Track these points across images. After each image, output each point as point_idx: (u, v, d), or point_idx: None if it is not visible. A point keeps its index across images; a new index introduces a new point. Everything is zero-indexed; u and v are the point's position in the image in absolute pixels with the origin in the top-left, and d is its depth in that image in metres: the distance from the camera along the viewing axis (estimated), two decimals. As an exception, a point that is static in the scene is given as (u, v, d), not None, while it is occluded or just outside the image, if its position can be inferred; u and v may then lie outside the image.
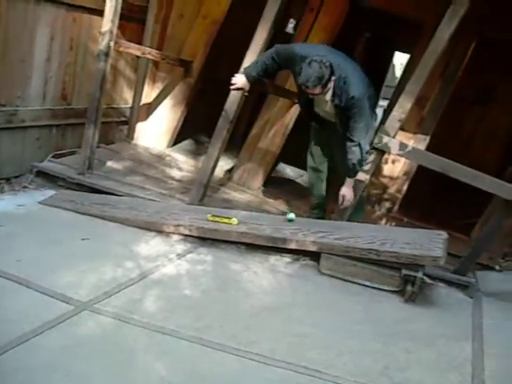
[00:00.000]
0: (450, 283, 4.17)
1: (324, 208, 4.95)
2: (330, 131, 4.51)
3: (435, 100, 5.38)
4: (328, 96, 4.17)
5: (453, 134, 6.89)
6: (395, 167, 5.55)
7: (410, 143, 4.68)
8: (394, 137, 4.25)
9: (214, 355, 2.85)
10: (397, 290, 3.82)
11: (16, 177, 4.84)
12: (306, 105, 4.51)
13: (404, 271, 3.75)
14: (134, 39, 5.61)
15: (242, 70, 4.52)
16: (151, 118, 6.22)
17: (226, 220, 4.18)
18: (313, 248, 3.97)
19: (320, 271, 3.97)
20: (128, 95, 6.11)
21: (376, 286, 3.85)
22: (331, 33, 5.79)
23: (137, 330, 2.94)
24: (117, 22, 4.77)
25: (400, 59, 13.32)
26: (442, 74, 5.28)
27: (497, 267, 4.67)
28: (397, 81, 8.68)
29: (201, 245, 4.11)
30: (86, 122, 4.91)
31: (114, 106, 5.98)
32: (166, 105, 6.18)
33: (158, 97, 6.19)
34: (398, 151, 4.26)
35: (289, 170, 6.93)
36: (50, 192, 4.67)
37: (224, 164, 6.06)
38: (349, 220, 4.45)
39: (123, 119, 6.17)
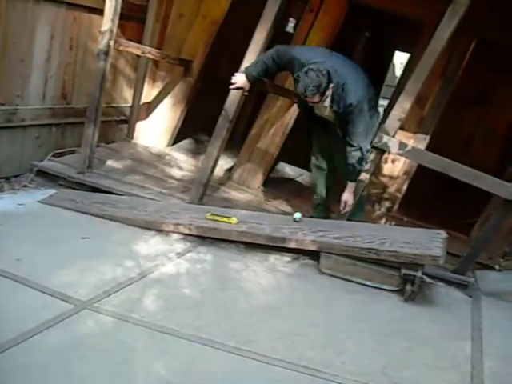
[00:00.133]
0: (449, 282, 4.17)
1: (327, 206, 4.94)
2: (332, 133, 4.51)
3: (435, 99, 5.38)
4: (327, 102, 4.18)
5: (453, 133, 6.89)
6: (395, 166, 5.55)
7: (410, 142, 4.68)
8: (393, 136, 4.25)
9: (214, 354, 2.86)
10: (396, 289, 3.83)
11: (16, 176, 4.84)
12: (305, 108, 4.50)
13: (403, 270, 3.76)
14: (133, 38, 5.61)
15: (241, 69, 4.52)
16: (151, 117, 6.22)
17: (225, 219, 4.18)
18: (312, 247, 3.97)
19: (320, 270, 3.98)
20: (128, 94, 6.11)
21: (375, 285, 3.86)
22: (331, 32, 5.78)
23: (136, 329, 2.94)
24: (117, 21, 4.77)
25: (400, 58, 13.33)
26: (442, 73, 5.28)
27: (496, 267, 4.67)
28: (397, 80, 8.69)
29: (200, 244, 4.11)
30: (86, 121, 4.91)
31: (114, 105, 5.97)
32: (166, 104, 6.18)
33: (157, 96, 6.19)
34: (398, 150, 4.26)
35: (288, 169, 6.92)
36: (50, 191, 4.67)
37: (224, 163, 6.06)
38: (349, 220, 4.45)
39: (123, 118, 6.16)
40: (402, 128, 4.61)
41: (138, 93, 6.05)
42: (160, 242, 4.05)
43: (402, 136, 4.76)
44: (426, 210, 5.76)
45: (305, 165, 7.00)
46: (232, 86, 4.53)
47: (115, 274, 3.45)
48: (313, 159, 4.90)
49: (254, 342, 3.00)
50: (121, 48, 5.20)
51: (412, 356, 3.14)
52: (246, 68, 4.48)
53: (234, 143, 5.97)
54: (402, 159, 5.28)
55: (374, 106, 4.36)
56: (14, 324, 2.75)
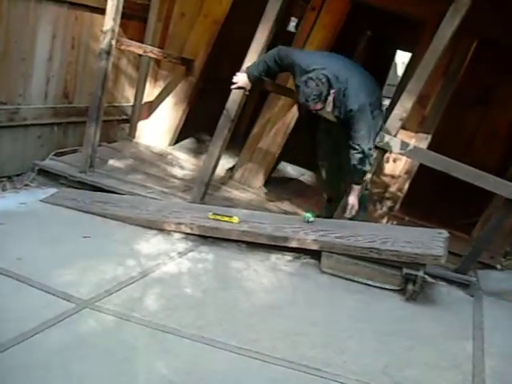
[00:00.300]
0: (450, 282, 4.17)
1: (336, 203, 4.93)
2: (335, 132, 4.51)
3: (437, 99, 5.37)
4: (329, 108, 4.19)
5: (454, 133, 6.88)
6: (397, 166, 5.55)
7: (412, 142, 4.67)
8: (395, 135, 4.25)
9: (215, 353, 2.86)
10: (398, 288, 3.83)
11: (18, 175, 4.85)
12: (307, 111, 4.49)
13: (405, 270, 3.76)
14: (135, 37, 5.62)
15: (243, 68, 4.53)
16: (153, 116, 6.22)
17: (227, 218, 4.18)
18: (314, 246, 3.97)
19: (321, 270, 3.97)
20: (130, 93, 6.11)
21: (377, 284, 3.86)
22: (333, 31, 5.77)
23: (138, 328, 2.94)
24: (118, 20, 4.77)
25: (402, 58, 13.31)
26: (444, 72, 5.27)
27: (498, 266, 4.67)
28: (398, 79, 8.68)
29: (202, 243, 4.12)
30: (88, 120, 4.91)
31: (116, 104, 5.98)
32: (168, 103, 6.19)
33: (159, 95, 6.19)
34: (400, 150, 4.26)
35: (290, 169, 6.92)
36: (52, 190, 4.67)
37: (225, 162, 6.06)
38: (351, 219, 4.45)
39: (125, 117, 6.17)
40: (403, 127, 4.61)
41: (139, 92, 6.05)
42: (161, 242, 4.05)
43: (403, 135, 4.76)
44: (427, 210, 5.76)
45: (306, 164, 7.02)
46: (233, 86, 4.54)
47: (116, 273, 3.45)
48: (318, 159, 4.91)
49: (255, 341, 3.01)
50: (123, 47, 5.21)
51: (413, 355, 3.14)
52: (248, 68, 4.49)
53: (236, 142, 5.96)
54: (404, 158, 5.28)
55: (378, 107, 4.37)
56: (15, 323, 2.75)
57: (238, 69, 4.57)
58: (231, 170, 6.07)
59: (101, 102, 4.87)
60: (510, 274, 4.61)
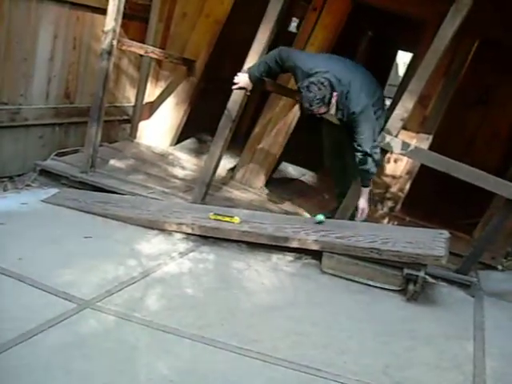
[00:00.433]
0: (451, 282, 4.17)
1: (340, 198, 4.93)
2: (340, 130, 4.52)
3: (438, 99, 5.37)
4: (332, 111, 4.19)
5: (455, 133, 6.89)
6: (398, 166, 5.55)
7: (413, 142, 4.67)
8: (396, 136, 4.24)
9: (216, 354, 2.86)
10: (399, 289, 3.83)
11: (19, 175, 4.86)
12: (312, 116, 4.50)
13: (406, 270, 3.76)
14: (136, 38, 5.62)
15: (244, 69, 4.53)
16: (154, 116, 6.23)
17: (228, 219, 4.18)
18: (314, 247, 3.97)
19: (322, 270, 3.98)
20: (131, 94, 6.12)
21: (378, 285, 3.86)
22: (334, 31, 5.77)
23: (139, 328, 2.95)
24: (120, 20, 4.77)
25: (403, 58, 13.32)
26: (445, 72, 5.27)
27: (499, 267, 4.67)
28: (400, 80, 8.68)
29: (203, 243, 4.12)
30: (89, 120, 4.92)
31: (117, 104, 5.98)
32: (169, 103, 6.19)
33: (160, 95, 6.20)
34: (401, 150, 4.25)
35: (291, 169, 6.93)
36: (53, 190, 4.68)
37: (226, 163, 6.06)
38: (352, 220, 4.45)
39: (126, 118, 6.17)
40: (404, 128, 4.61)
41: (141, 92, 6.05)
42: (163, 242, 4.05)
43: (404, 136, 4.76)
44: (428, 210, 5.76)
45: (307, 165, 7.03)
46: (235, 86, 4.55)
47: (118, 274, 3.45)
48: (325, 158, 4.92)
49: (256, 341, 3.01)
50: (124, 47, 5.21)
51: (414, 356, 3.14)
52: (249, 68, 4.49)
53: (237, 143, 5.97)
54: (405, 159, 5.27)
55: (381, 107, 4.37)
56: (16, 323, 2.76)
57: (239, 69, 4.57)
58: (232, 170, 6.07)
59: (102, 103, 4.88)
60: (511, 275, 4.60)
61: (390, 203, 5.59)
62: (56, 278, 3.25)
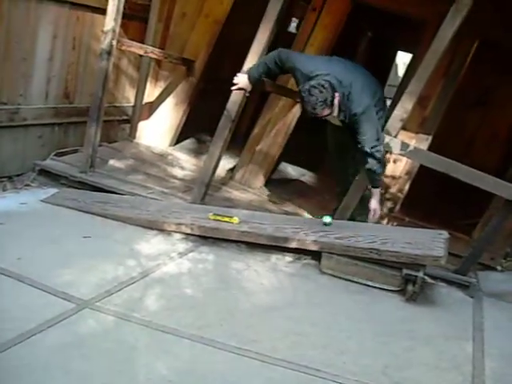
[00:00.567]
0: (450, 283, 4.17)
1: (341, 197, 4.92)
2: (341, 138, 4.53)
3: (438, 100, 5.36)
4: (335, 113, 4.19)
5: (455, 134, 6.88)
6: (397, 167, 5.53)
7: (412, 143, 4.67)
8: (395, 136, 4.25)
9: (215, 354, 2.86)
10: (398, 289, 3.83)
11: (18, 175, 4.85)
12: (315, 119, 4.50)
13: (405, 271, 3.76)
14: (136, 38, 5.62)
15: (244, 69, 4.53)
16: (153, 116, 6.23)
17: (227, 219, 4.18)
18: (314, 247, 3.97)
19: (321, 270, 3.98)
20: (130, 94, 6.11)
21: (377, 285, 3.86)
22: (334, 32, 5.77)
23: (138, 328, 2.95)
24: (119, 20, 4.77)
25: (403, 59, 13.32)
26: (445, 73, 5.26)
27: (498, 267, 4.67)
28: (399, 80, 8.68)
29: (202, 244, 4.12)
30: (89, 120, 4.91)
31: (117, 104, 5.98)
32: (169, 104, 6.19)
33: (160, 96, 6.19)
34: (400, 151, 4.25)
35: (290, 169, 6.93)
36: (53, 190, 4.68)
37: (226, 163, 6.06)
38: (352, 220, 4.45)
39: (125, 118, 6.17)
40: (404, 128, 4.60)
41: (140, 92, 6.05)
42: (162, 242, 4.05)
43: (404, 136, 4.75)
44: (428, 211, 5.76)
45: (307, 165, 7.03)
46: (234, 87, 4.54)
47: (117, 274, 3.45)
48: (331, 158, 4.93)
49: (255, 341, 3.01)
50: (123, 48, 5.21)
51: (413, 356, 3.14)
52: (249, 69, 4.49)
53: (236, 143, 5.96)
54: (404, 159, 5.27)
55: (382, 108, 4.37)
56: (15, 323, 2.76)
57: (238, 69, 4.57)
58: (232, 170, 6.07)
59: (101, 103, 4.88)
60: (510, 275, 4.60)
61: (389, 204, 5.58)
62: (55, 278, 3.25)
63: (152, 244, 3.98)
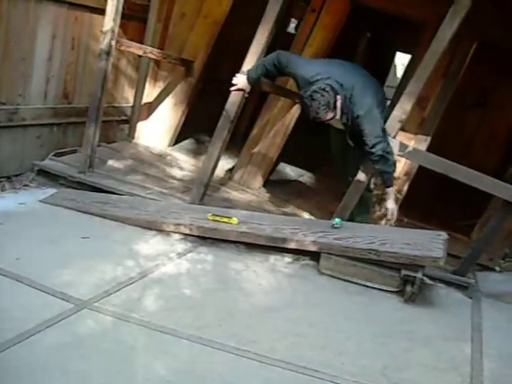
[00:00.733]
0: (449, 284, 4.17)
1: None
2: (343, 141, 4.53)
3: (436, 101, 5.37)
4: (338, 115, 4.18)
5: (453, 135, 6.88)
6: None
7: (411, 144, 4.67)
8: (394, 137, 4.25)
9: (214, 354, 2.86)
10: (396, 290, 3.83)
11: (17, 175, 4.85)
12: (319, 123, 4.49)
13: (404, 272, 3.76)
14: (135, 38, 5.62)
15: (243, 70, 4.52)
16: (152, 117, 6.23)
17: (226, 219, 4.18)
18: (312, 248, 3.97)
19: (320, 271, 3.98)
20: (129, 94, 6.11)
21: (376, 286, 3.86)
22: (333, 32, 5.78)
23: (136, 328, 2.94)
24: (118, 20, 4.77)
25: (401, 59, 13.34)
26: (444, 74, 5.27)
27: (497, 268, 4.67)
28: (398, 81, 8.68)
29: (201, 244, 4.12)
30: (87, 120, 4.91)
31: (115, 104, 5.98)
32: (167, 104, 6.19)
33: (159, 96, 6.20)
34: (399, 152, 4.25)
35: (289, 170, 6.93)
36: (51, 190, 4.67)
37: (225, 163, 6.06)
38: (352, 220, 4.45)
39: (124, 118, 6.17)
40: (402, 129, 4.61)
41: (139, 93, 6.05)
42: (161, 242, 4.05)
43: (402, 137, 4.75)
44: (426, 211, 5.76)
45: (306, 165, 7.03)
46: (233, 88, 4.54)
47: (115, 274, 3.45)
48: (335, 160, 4.93)
49: (253, 342, 3.01)
50: (122, 48, 5.21)
51: (412, 357, 3.14)
52: (248, 70, 4.49)
53: (235, 143, 5.97)
54: (403, 160, 5.26)
55: (383, 109, 4.37)
56: (13, 323, 2.76)
57: (237, 70, 4.57)
58: (230, 171, 6.07)
59: (100, 103, 4.87)
60: (509, 276, 4.61)
61: (387, 204, 5.58)
62: (54, 279, 3.25)
63: (151, 244, 3.98)
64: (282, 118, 5.82)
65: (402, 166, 5.49)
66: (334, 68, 4.26)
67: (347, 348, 3.13)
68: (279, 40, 5.53)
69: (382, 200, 5.54)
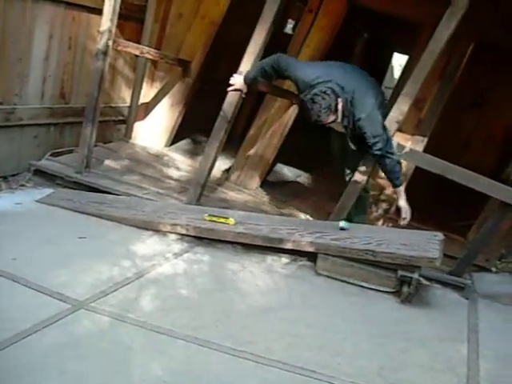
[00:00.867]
0: (445, 284, 4.18)
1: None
2: (342, 143, 4.53)
3: (433, 101, 5.38)
4: (339, 118, 4.17)
5: (450, 135, 6.89)
6: (393, 168, 5.55)
7: (408, 144, 4.68)
8: (391, 138, 4.25)
9: (210, 355, 2.86)
10: (393, 290, 3.83)
11: (14, 175, 4.84)
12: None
13: (400, 272, 3.76)
14: (132, 38, 5.61)
15: (240, 70, 4.52)
16: (149, 117, 6.22)
17: (223, 220, 4.18)
18: (309, 248, 3.97)
19: (317, 272, 3.98)
20: (126, 94, 6.11)
21: (372, 286, 3.86)
22: (330, 33, 5.78)
23: (133, 329, 2.94)
24: (115, 20, 4.76)
25: (399, 60, 13.35)
26: (441, 75, 5.28)
27: (493, 269, 4.68)
28: (395, 82, 8.69)
29: (197, 244, 4.12)
30: (84, 120, 4.90)
31: (112, 105, 5.97)
32: (164, 104, 6.19)
33: (156, 96, 6.19)
34: (396, 152, 4.26)
35: (286, 170, 6.93)
36: (48, 190, 4.66)
37: (221, 164, 6.06)
38: (350, 221, 4.45)
39: (121, 118, 6.16)
40: (399, 130, 4.61)
41: (136, 93, 6.05)
42: (157, 242, 4.05)
43: (399, 138, 4.75)
44: (423, 212, 5.74)
45: (303, 166, 7.03)
46: (230, 88, 4.54)
47: (112, 274, 3.45)
48: (335, 161, 4.94)
49: (250, 342, 3.01)
50: (119, 48, 5.21)
51: (408, 358, 3.14)
52: (247, 72, 4.48)
53: (232, 144, 5.97)
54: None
55: (383, 112, 4.36)
56: (10, 323, 2.75)
57: (234, 70, 4.57)
58: (227, 171, 6.07)
59: (97, 103, 4.87)
60: (505, 277, 4.62)
61: (384, 205, 5.59)
62: (50, 279, 3.24)
63: (147, 244, 3.98)
64: (279, 119, 5.82)
65: (398, 166, 5.50)
66: (334, 71, 4.25)
67: (344, 348, 3.13)
68: (276, 40, 5.52)
69: (378, 201, 5.57)
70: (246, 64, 4.52)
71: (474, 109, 7.16)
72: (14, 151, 4.83)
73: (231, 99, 4.59)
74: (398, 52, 11.90)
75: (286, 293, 3.70)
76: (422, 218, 5.47)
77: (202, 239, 4.14)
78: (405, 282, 3.76)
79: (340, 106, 4.08)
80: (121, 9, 4.80)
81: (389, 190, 5.54)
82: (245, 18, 5.43)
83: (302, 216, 5.29)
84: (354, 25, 7.44)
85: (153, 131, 6.21)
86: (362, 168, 4.33)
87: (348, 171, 4.62)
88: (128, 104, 6.12)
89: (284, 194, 5.96)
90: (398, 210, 4.36)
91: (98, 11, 4.92)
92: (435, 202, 6.23)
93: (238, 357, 2.87)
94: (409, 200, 5.17)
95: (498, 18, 4.82)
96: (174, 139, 6.44)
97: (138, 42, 5.69)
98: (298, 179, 6.91)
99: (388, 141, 4.15)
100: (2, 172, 4.75)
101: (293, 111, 5.72)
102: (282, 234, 4.06)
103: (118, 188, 4.79)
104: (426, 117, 5.39)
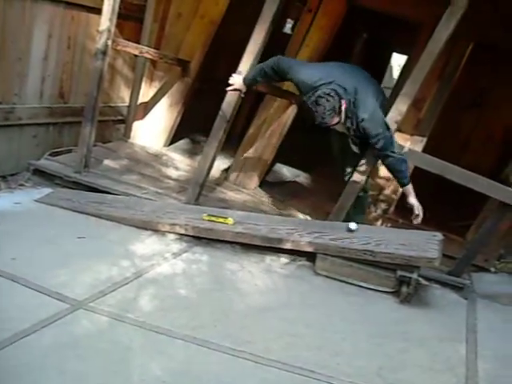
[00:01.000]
0: (444, 284, 4.18)
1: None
2: (343, 143, 4.53)
3: (432, 101, 5.38)
4: (342, 119, 4.17)
5: (450, 136, 6.90)
6: (391, 168, 5.55)
7: (407, 145, 4.68)
8: (390, 138, 4.25)
9: (209, 355, 2.86)
10: (392, 290, 3.84)
11: (12, 175, 4.83)
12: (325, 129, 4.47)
13: (399, 272, 3.77)
14: (131, 38, 5.61)
15: (239, 70, 4.52)
16: (148, 117, 6.22)
17: (221, 220, 4.18)
18: (308, 248, 3.97)
19: (315, 272, 3.98)
20: (125, 94, 6.10)
21: (371, 286, 3.87)
22: (329, 33, 5.77)
23: (132, 329, 2.94)
24: (115, 20, 4.76)
25: (398, 60, 13.35)
26: (440, 75, 5.28)
27: (492, 269, 4.68)
28: (394, 82, 8.69)
29: (196, 244, 4.12)
30: (83, 120, 4.90)
31: (111, 104, 5.97)
32: (163, 104, 6.18)
33: (155, 96, 6.19)
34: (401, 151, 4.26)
35: (285, 170, 6.93)
36: (47, 190, 4.66)
37: (220, 164, 6.05)
38: (348, 221, 4.45)
39: (120, 118, 6.15)
40: (398, 130, 4.61)
41: (135, 92, 6.04)
42: (156, 242, 4.05)
43: (398, 138, 4.75)
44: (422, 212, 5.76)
45: (302, 166, 7.03)
46: (229, 88, 4.54)
47: (111, 274, 3.45)
48: (336, 161, 4.93)
49: (249, 342, 3.01)
50: (119, 47, 5.20)
51: (407, 358, 3.15)
52: (246, 73, 4.48)
53: (231, 143, 5.96)
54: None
55: (384, 111, 4.36)
56: (9, 323, 2.75)
57: (234, 70, 4.57)
58: (226, 171, 6.07)
59: (96, 102, 4.86)
60: (504, 277, 4.62)
61: (383, 205, 5.59)
62: (49, 279, 3.24)
63: (146, 244, 3.98)
64: (278, 119, 5.81)
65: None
66: (335, 71, 4.24)
67: (343, 348, 3.13)
68: (275, 40, 5.52)
69: (377, 201, 5.58)
70: (246, 64, 4.52)
71: (473, 109, 7.17)
72: (13, 151, 4.83)
73: (230, 99, 4.59)
74: (397, 52, 11.90)
75: (285, 293, 3.70)
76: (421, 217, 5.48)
77: (201, 239, 4.15)
78: (404, 282, 3.76)
79: (343, 108, 4.08)
80: (120, 8, 4.79)
81: (388, 190, 5.55)
82: (244, 17, 5.43)
83: (301, 216, 5.29)
84: (353, 25, 7.43)
85: (152, 131, 6.21)
86: (361, 168, 4.33)
87: (348, 170, 4.61)
88: (127, 104, 6.12)
89: (283, 194, 5.95)
90: (410, 208, 4.31)
91: (97, 11, 4.91)
92: (434, 202, 6.21)
93: (237, 357, 2.87)
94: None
95: (497, 18, 4.82)
96: (173, 139, 6.44)
97: (138, 42, 5.68)
98: (297, 179, 6.90)
99: (392, 140, 4.14)
100: (1, 171, 4.75)
101: (292, 111, 5.72)
102: (280, 233, 4.06)
103: (117, 188, 4.79)
104: (425, 117, 5.39)
